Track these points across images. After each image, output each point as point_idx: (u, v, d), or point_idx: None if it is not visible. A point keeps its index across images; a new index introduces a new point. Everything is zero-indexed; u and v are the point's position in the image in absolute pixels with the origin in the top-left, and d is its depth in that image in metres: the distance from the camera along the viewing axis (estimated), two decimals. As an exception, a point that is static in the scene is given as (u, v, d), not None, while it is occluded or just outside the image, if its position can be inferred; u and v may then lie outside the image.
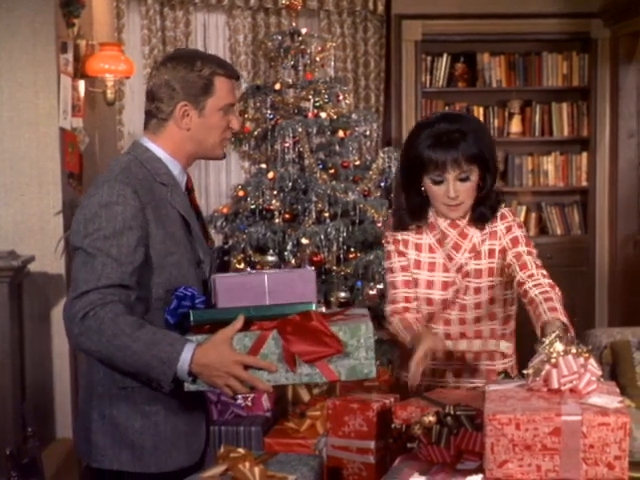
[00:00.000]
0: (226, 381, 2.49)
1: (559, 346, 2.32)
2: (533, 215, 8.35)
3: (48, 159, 5.32)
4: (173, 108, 2.73)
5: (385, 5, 7.79)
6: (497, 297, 3.19)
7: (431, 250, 3.21)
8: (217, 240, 5.92)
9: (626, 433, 2.10)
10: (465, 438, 2.37)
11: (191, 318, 2.54)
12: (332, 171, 6.09)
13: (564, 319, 2.79)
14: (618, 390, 2.32)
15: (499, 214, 3.16)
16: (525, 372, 2.37)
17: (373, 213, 5.97)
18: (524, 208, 8.27)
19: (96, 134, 6.22)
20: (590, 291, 8.25)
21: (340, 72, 7.47)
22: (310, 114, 6.12)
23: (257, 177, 6.13)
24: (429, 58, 8.13)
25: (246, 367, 2.48)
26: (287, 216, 5.98)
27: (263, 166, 6.23)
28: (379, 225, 5.96)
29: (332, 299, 5.68)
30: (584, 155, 8.27)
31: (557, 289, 2.97)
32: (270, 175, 5.97)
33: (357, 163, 6.24)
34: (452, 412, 2.44)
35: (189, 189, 2.86)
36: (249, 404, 5.02)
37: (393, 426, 2.66)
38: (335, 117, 6.18)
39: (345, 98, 6.38)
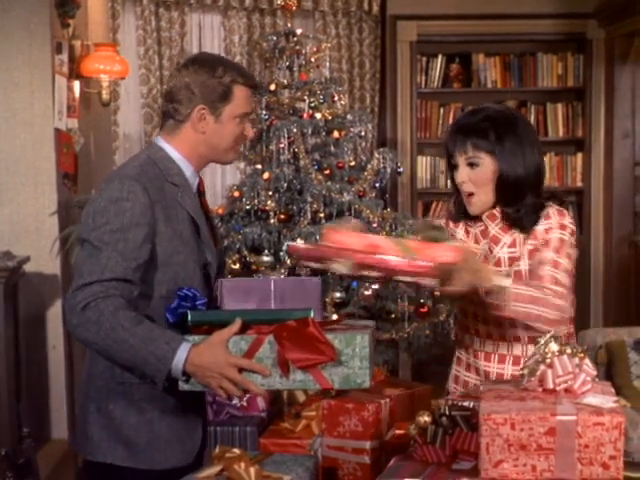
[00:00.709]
0: (220, 383, 2.50)
1: (554, 346, 2.32)
2: (528, 215, 8.34)
3: (43, 159, 5.31)
4: (191, 111, 2.76)
5: (380, 6, 7.79)
6: None
7: (476, 241, 3.17)
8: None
9: (621, 433, 2.10)
10: (460, 438, 2.38)
11: (189, 318, 2.55)
12: (327, 172, 6.09)
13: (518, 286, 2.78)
14: (613, 390, 2.32)
15: (544, 213, 3.03)
16: (520, 372, 2.37)
17: (368, 214, 5.96)
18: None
19: (91, 135, 6.21)
20: (585, 291, 8.25)
21: (335, 73, 7.47)
22: (305, 115, 6.12)
23: (252, 178, 6.13)
24: (424, 59, 8.13)
25: (240, 370, 2.49)
26: (282, 217, 5.98)
27: (258, 167, 6.23)
28: (374, 226, 5.96)
29: (327, 299, 5.68)
30: (579, 155, 8.28)
31: (556, 300, 2.86)
32: (265, 176, 5.97)
33: (352, 164, 6.24)
34: (447, 412, 2.44)
35: (201, 192, 2.88)
36: (244, 404, 5.02)
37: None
38: (330, 118, 6.18)
39: (340, 99, 6.37)
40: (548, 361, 2.30)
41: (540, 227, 3.01)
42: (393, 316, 5.77)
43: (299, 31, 6.38)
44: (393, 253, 2.51)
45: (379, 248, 2.51)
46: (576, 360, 2.31)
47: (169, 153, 2.78)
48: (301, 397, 5.19)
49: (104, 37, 6.77)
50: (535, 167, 3.04)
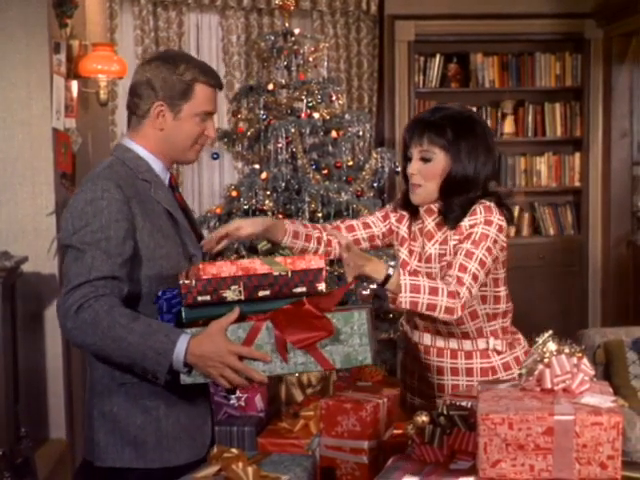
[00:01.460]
0: (221, 372, 2.50)
1: (552, 346, 2.32)
2: (526, 215, 8.36)
3: (41, 159, 5.30)
4: (149, 107, 2.77)
5: (378, 5, 7.79)
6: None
7: (414, 238, 3.21)
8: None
9: (619, 432, 2.10)
10: (458, 438, 2.38)
11: (183, 315, 2.55)
12: (325, 171, 6.09)
13: (402, 276, 2.81)
14: (611, 390, 2.32)
15: (472, 210, 3.04)
16: (518, 372, 2.37)
17: (366, 213, 5.96)
18: (517, 208, 8.28)
19: (89, 134, 6.21)
20: (583, 291, 8.26)
21: (333, 72, 7.48)
22: (303, 114, 6.12)
23: (250, 177, 6.13)
24: (422, 58, 8.14)
25: (241, 358, 2.49)
26: (280, 216, 5.98)
27: (256, 166, 6.22)
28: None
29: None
30: (577, 155, 8.28)
31: (457, 290, 2.87)
32: (263, 175, 5.96)
33: (350, 163, 6.23)
34: (445, 412, 2.44)
35: (173, 186, 2.88)
36: (242, 404, 5.01)
37: None
38: (328, 117, 6.18)
39: (338, 98, 6.37)
40: (546, 361, 2.30)
41: (466, 223, 3.04)
42: (391, 316, 5.77)
43: (297, 31, 6.37)
44: (263, 271, 2.53)
45: (250, 270, 2.52)
46: (574, 360, 2.31)
47: (136, 151, 2.79)
48: (299, 397, 5.19)
49: (102, 37, 6.76)
50: (486, 171, 3.08)
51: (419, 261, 3.15)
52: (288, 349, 2.47)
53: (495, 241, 3.00)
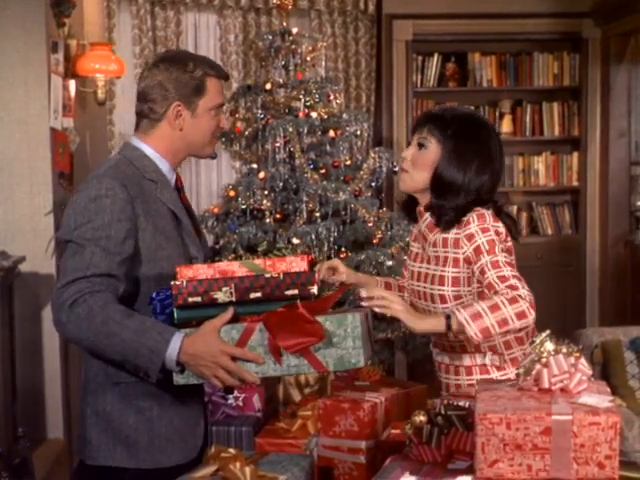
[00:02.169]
0: (214, 372, 2.50)
1: (550, 345, 2.32)
2: (524, 215, 8.36)
3: (39, 159, 5.30)
4: (166, 109, 2.77)
5: (376, 5, 7.79)
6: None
7: (415, 238, 3.21)
8: (208, 240, 5.91)
9: (617, 432, 2.10)
10: (456, 438, 2.38)
11: (175, 316, 2.55)
12: (323, 171, 6.09)
13: (459, 314, 2.74)
14: (609, 389, 2.32)
15: (465, 219, 2.95)
16: (516, 372, 2.37)
17: (364, 213, 5.97)
18: (515, 208, 8.28)
19: (87, 134, 6.21)
20: (581, 291, 8.27)
21: (331, 72, 7.47)
22: (301, 114, 6.12)
23: (248, 177, 6.13)
24: (420, 58, 8.14)
25: (234, 359, 2.49)
26: (278, 216, 5.99)
27: (254, 166, 6.23)
28: (370, 225, 5.96)
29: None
30: (575, 155, 8.29)
31: (517, 294, 2.78)
32: (261, 175, 5.97)
33: (348, 163, 6.24)
34: (443, 412, 2.44)
35: (179, 188, 2.88)
36: (240, 404, 5.01)
37: None
38: (326, 117, 6.18)
39: (336, 98, 6.38)
40: (544, 360, 2.30)
41: (462, 235, 2.95)
42: (389, 316, 5.76)
43: (295, 30, 6.38)
44: (241, 273, 2.52)
45: (227, 273, 2.52)
46: (572, 359, 2.30)
47: (144, 151, 2.79)
48: (297, 397, 5.19)
49: (100, 36, 6.76)
50: (480, 180, 3.00)
51: (420, 262, 3.13)
52: (281, 351, 2.47)
53: (502, 241, 2.93)
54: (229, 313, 2.50)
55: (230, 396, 4.81)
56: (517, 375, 2.36)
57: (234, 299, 2.51)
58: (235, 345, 2.49)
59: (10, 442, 4.60)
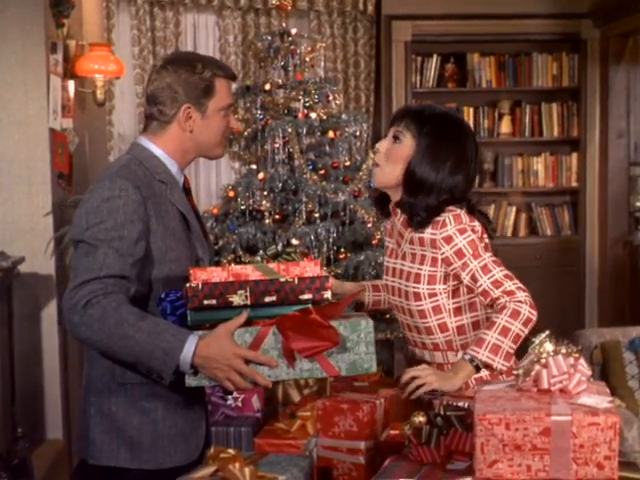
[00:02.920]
0: (227, 375, 2.49)
1: (549, 346, 2.32)
2: (523, 216, 8.36)
3: (38, 160, 5.30)
4: (176, 111, 2.77)
5: (375, 6, 7.80)
6: (430, 307, 3.04)
7: (390, 234, 3.20)
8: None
9: (616, 433, 2.10)
10: (455, 438, 2.38)
11: (189, 318, 2.54)
12: (322, 172, 6.09)
13: (479, 355, 2.79)
14: (608, 390, 2.32)
15: (441, 220, 2.94)
16: (515, 372, 2.37)
17: (363, 214, 5.96)
18: (514, 209, 8.29)
19: (86, 134, 6.20)
20: (580, 291, 8.27)
21: (330, 72, 7.47)
22: (300, 114, 6.12)
23: (247, 178, 6.13)
24: (419, 59, 8.14)
25: (247, 362, 2.49)
26: (277, 217, 5.98)
27: (253, 167, 6.22)
28: (369, 226, 5.96)
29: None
30: (574, 155, 8.29)
31: (516, 302, 2.84)
32: (260, 176, 5.97)
33: (347, 164, 6.24)
34: (442, 412, 2.44)
35: (186, 189, 2.88)
36: (239, 405, 5.01)
37: None
38: (325, 117, 6.18)
39: (335, 98, 6.38)
40: (543, 361, 2.30)
41: (439, 237, 2.95)
42: (388, 316, 5.76)
43: (294, 31, 6.38)
44: (255, 277, 2.53)
45: (241, 276, 2.52)
46: (571, 360, 2.30)
47: (153, 152, 2.79)
48: (296, 397, 5.19)
49: (99, 37, 6.76)
50: (453, 180, 2.99)
51: (395, 258, 3.13)
52: (295, 355, 2.48)
53: (481, 239, 2.96)
54: (243, 316, 2.49)
55: (229, 397, 4.81)
56: (516, 376, 2.36)
57: (249, 302, 2.50)
58: (248, 348, 2.49)
59: (9, 442, 4.61)
